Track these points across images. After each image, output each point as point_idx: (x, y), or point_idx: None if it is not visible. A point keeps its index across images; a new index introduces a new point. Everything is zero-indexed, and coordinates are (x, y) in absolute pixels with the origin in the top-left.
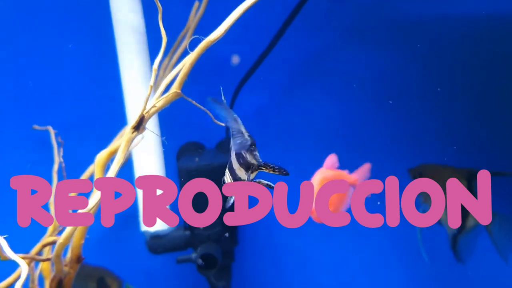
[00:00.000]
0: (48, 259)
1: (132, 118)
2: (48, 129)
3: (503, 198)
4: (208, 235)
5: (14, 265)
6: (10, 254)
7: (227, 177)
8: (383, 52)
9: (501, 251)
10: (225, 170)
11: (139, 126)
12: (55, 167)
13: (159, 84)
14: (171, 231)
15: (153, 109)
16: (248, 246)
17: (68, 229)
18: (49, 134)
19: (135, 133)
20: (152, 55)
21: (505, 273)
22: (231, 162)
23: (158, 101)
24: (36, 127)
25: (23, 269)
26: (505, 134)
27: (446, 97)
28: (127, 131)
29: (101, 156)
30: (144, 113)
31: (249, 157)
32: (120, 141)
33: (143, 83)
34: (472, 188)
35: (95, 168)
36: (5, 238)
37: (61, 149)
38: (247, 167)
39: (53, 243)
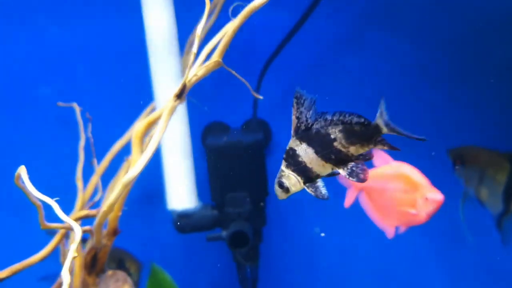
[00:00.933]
0: (86, 231)
1: (159, 92)
2: (73, 106)
3: None
4: (239, 213)
5: None
6: (63, 217)
7: (292, 177)
8: (410, 34)
9: None
10: (282, 172)
11: (181, 94)
12: (81, 143)
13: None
14: (198, 209)
15: (195, 78)
16: (276, 227)
17: (112, 198)
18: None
19: (177, 101)
20: (181, 28)
21: None
22: (302, 161)
23: (199, 70)
24: (61, 103)
25: (77, 232)
26: None
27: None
28: (170, 99)
29: (139, 128)
30: (186, 81)
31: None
32: (157, 112)
33: (169, 56)
34: None
35: (132, 140)
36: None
37: (89, 125)
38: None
39: (86, 216)
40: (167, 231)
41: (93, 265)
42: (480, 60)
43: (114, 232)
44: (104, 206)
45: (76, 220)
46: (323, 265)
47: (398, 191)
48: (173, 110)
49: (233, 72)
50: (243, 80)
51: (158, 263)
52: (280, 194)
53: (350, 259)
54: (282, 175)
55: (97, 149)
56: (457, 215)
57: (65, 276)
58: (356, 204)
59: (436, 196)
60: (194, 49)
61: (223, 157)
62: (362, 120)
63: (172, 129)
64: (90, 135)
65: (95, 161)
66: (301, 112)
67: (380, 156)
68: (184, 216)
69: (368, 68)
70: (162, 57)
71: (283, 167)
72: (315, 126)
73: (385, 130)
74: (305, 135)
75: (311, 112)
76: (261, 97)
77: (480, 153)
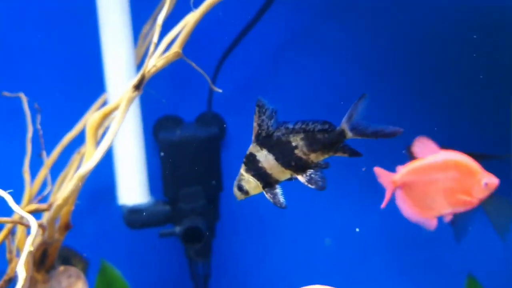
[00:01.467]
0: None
1: (111, 84)
2: (20, 96)
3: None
4: (192, 208)
5: None
6: (17, 209)
7: (251, 182)
8: (371, 23)
9: (499, 230)
10: (241, 175)
11: (140, 85)
12: (29, 135)
13: (140, 50)
14: (150, 205)
15: (154, 69)
16: (229, 223)
17: (67, 191)
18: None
19: (136, 92)
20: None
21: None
22: (262, 167)
23: (158, 60)
24: (6, 93)
25: (33, 225)
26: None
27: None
28: (128, 90)
29: (94, 119)
30: (145, 72)
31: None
32: (113, 103)
33: (122, 47)
34: None
35: (87, 131)
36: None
37: (38, 116)
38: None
39: (36, 210)
40: (117, 227)
41: (43, 261)
42: (443, 57)
43: (66, 227)
44: (59, 199)
45: (31, 210)
46: (275, 261)
47: (450, 179)
48: (131, 101)
49: (193, 64)
50: (202, 72)
51: (108, 260)
52: (239, 195)
53: (303, 254)
54: (241, 179)
55: (46, 142)
56: None
57: (20, 271)
58: (304, 198)
59: (493, 180)
60: (155, 39)
61: (176, 152)
62: (327, 126)
63: (124, 122)
64: (39, 126)
65: (44, 153)
66: (262, 120)
67: (426, 146)
68: (135, 211)
69: (326, 62)
70: (115, 48)
71: (242, 170)
72: (276, 133)
73: (350, 135)
74: (266, 141)
75: (272, 121)
76: (220, 91)
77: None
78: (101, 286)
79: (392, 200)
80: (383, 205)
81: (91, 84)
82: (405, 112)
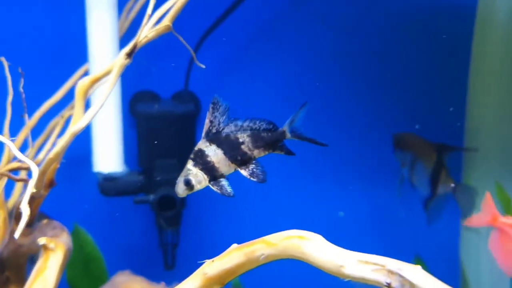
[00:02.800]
0: (22, 180)
1: (94, 54)
2: (1, 60)
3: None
4: (167, 179)
5: None
6: (19, 155)
7: (199, 175)
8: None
9: (464, 213)
10: (188, 170)
11: (132, 53)
12: (9, 98)
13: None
14: (124, 174)
15: (145, 39)
16: (199, 195)
17: (59, 146)
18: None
19: (127, 60)
20: None
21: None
22: (210, 161)
23: (150, 32)
24: None
25: (34, 169)
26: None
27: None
28: (120, 57)
29: (83, 83)
30: (138, 41)
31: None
32: (104, 69)
33: (107, 19)
34: (441, 160)
35: (76, 94)
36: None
37: (22, 80)
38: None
39: (18, 168)
40: (91, 193)
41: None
42: (406, 52)
43: (51, 184)
44: (51, 154)
45: (9, 170)
46: (243, 232)
47: None
48: (123, 68)
49: (181, 38)
50: (189, 47)
51: (80, 225)
52: (182, 192)
53: (273, 226)
54: (189, 173)
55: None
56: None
57: (24, 209)
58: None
59: None
60: (149, 10)
61: (154, 125)
62: (271, 126)
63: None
64: (21, 90)
65: (26, 115)
66: (215, 117)
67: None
68: (109, 179)
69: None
70: (99, 19)
71: (189, 166)
72: (226, 130)
73: (289, 136)
74: (215, 137)
75: (224, 117)
76: (203, 66)
77: (416, 140)
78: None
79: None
80: (468, 223)
81: (74, 54)
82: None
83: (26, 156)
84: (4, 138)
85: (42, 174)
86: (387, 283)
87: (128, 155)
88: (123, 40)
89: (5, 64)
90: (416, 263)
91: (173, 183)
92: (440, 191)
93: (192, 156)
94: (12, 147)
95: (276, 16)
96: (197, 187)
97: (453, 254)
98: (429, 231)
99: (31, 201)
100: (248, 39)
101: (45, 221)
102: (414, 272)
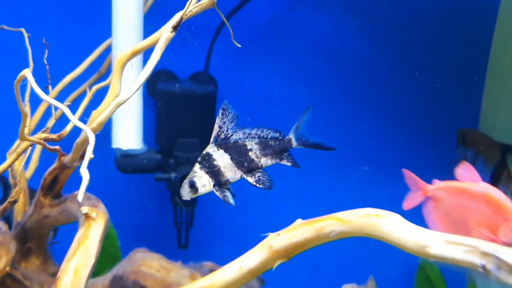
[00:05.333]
0: (55, 150)
1: (118, 30)
2: (22, 31)
3: None
4: (188, 158)
5: None
6: (73, 120)
7: (204, 178)
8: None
9: None
10: (194, 172)
11: (177, 26)
12: (30, 69)
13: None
14: (143, 152)
15: (190, 13)
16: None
17: (103, 116)
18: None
19: (173, 33)
20: None
21: None
22: (217, 165)
23: (195, 7)
24: (5, 27)
25: (90, 136)
26: None
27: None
28: (166, 29)
29: (123, 55)
30: (184, 15)
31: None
32: (146, 41)
33: None
34: (504, 160)
35: (114, 65)
36: None
37: (46, 51)
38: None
39: (46, 138)
40: (108, 170)
41: (52, 187)
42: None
43: (83, 156)
44: (94, 123)
45: (41, 139)
46: (255, 216)
47: (481, 212)
48: (169, 40)
49: (222, 15)
50: (229, 27)
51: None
52: (186, 194)
53: (289, 212)
54: (194, 175)
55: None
56: None
57: (85, 173)
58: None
59: None
60: None
61: (176, 104)
62: (277, 134)
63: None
64: (45, 62)
65: (50, 87)
66: (224, 123)
67: (468, 172)
68: (127, 156)
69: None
70: None
71: (196, 168)
72: (234, 137)
73: (295, 144)
74: (223, 143)
75: (232, 124)
76: (239, 45)
77: (480, 138)
78: None
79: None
80: (404, 206)
81: (98, 28)
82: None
83: (47, 128)
84: (59, 103)
85: (82, 144)
86: (482, 264)
87: (145, 134)
88: (147, 17)
89: (25, 35)
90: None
91: (193, 163)
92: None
93: (199, 159)
94: (66, 111)
95: (298, 1)
96: (201, 190)
97: None
98: None
99: (63, 170)
100: (268, 24)
101: (77, 192)
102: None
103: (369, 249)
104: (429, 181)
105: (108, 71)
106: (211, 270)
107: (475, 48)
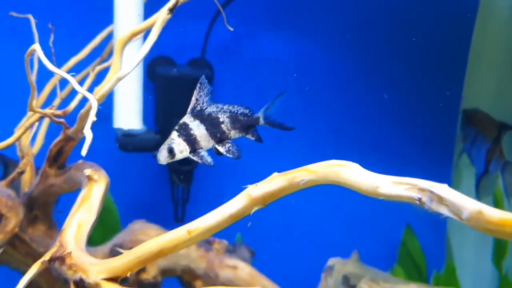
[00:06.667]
0: (61, 122)
1: (119, 17)
2: (29, 17)
3: None
4: None
5: None
6: (79, 89)
7: (182, 145)
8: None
9: (509, 191)
10: (172, 140)
11: (173, 9)
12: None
13: None
14: (143, 132)
15: None
16: (211, 155)
17: (105, 89)
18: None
19: (169, 15)
20: None
21: None
22: (193, 134)
23: None
24: (14, 13)
25: (93, 103)
26: None
27: None
28: (163, 11)
29: (123, 36)
30: None
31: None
32: (144, 24)
33: None
34: (499, 137)
35: (115, 45)
36: None
37: (52, 35)
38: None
39: (53, 114)
40: (109, 148)
41: (56, 158)
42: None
43: (79, 129)
44: (97, 96)
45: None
46: None
47: None
48: (164, 22)
49: (216, 2)
50: (222, 11)
51: None
52: (163, 158)
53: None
54: (172, 142)
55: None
56: None
57: (88, 133)
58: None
59: None
60: None
61: (172, 87)
62: (247, 111)
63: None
64: (51, 45)
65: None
66: (200, 96)
67: None
68: (128, 135)
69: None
70: None
71: (173, 136)
72: (208, 110)
73: (262, 122)
74: (199, 114)
75: (207, 98)
76: (231, 29)
77: (482, 117)
78: None
79: None
80: None
81: (100, 16)
82: None
83: (53, 106)
84: (66, 74)
85: (85, 115)
86: (418, 198)
87: (145, 116)
88: (147, 4)
89: (32, 21)
90: (406, 231)
91: None
92: (492, 168)
93: (176, 127)
94: (73, 82)
95: None
96: (178, 155)
97: (440, 222)
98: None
99: (67, 142)
100: (265, 12)
101: (80, 161)
102: (442, 188)
103: (354, 227)
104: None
105: (109, 56)
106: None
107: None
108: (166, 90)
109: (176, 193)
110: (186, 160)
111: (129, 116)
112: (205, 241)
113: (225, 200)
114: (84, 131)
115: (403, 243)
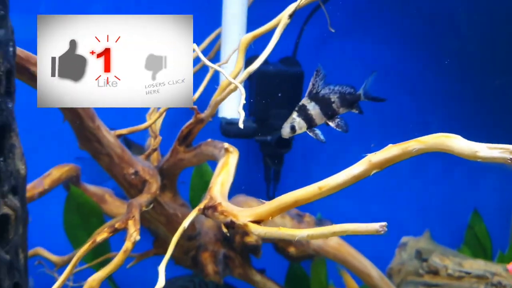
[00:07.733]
0: (193, 107)
1: (227, 21)
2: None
3: None
4: (281, 125)
5: None
6: (230, 79)
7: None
8: None
9: None
10: (293, 119)
11: (293, 15)
12: None
13: None
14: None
15: (304, 2)
16: (302, 143)
17: (239, 80)
18: None
19: (288, 20)
20: None
21: None
22: (310, 113)
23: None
24: None
25: (242, 90)
26: None
27: None
28: (284, 17)
29: (246, 38)
30: (299, 4)
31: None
32: (266, 27)
33: None
34: None
35: (240, 46)
36: None
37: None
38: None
39: None
40: (216, 134)
41: (186, 138)
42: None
43: (212, 114)
44: (232, 86)
45: None
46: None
47: None
48: (284, 26)
49: (323, 6)
50: (327, 15)
51: None
52: (286, 134)
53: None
54: (294, 121)
55: None
56: None
57: (241, 112)
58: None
59: None
60: None
61: (269, 81)
62: (352, 90)
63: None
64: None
65: None
66: (316, 81)
67: None
68: (231, 123)
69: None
70: None
71: (294, 115)
72: (322, 92)
73: (362, 98)
74: (314, 96)
75: (322, 82)
76: (333, 30)
77: None
78: None
79: None
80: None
81: (209, 19)
82: None
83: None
84: (213, 64)
85: (219, 102)
86: (510, 158)
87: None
88: (251, 9)
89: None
90: (474, 215)
91: None
92: None
93: (296, 109)
94: (220, 70)
95: None
96: (298, 131)
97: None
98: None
99: (196, 125)
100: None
101: (209, 140)
102: None
103: (426, 211)
104: None
105: (215, 56)
106: (297, 214)
107: None
108: (263, 85)
109: (268, 174)
110: (282, 144)
111: (231, 107)
112: (297, 215)
113: (310, 182)
114: (238, 110)
115: (470, 226)
